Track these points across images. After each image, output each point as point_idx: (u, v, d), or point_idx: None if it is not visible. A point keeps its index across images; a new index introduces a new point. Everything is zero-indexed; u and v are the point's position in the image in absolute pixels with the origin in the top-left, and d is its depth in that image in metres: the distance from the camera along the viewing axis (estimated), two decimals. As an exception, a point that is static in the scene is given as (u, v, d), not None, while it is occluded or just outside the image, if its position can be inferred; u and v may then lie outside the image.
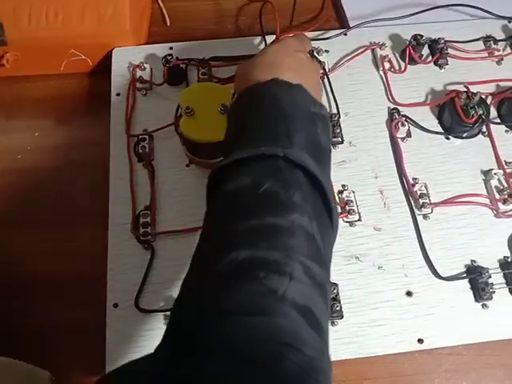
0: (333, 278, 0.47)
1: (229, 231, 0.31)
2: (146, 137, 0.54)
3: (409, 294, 0.48)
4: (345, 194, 0.52)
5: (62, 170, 0.57)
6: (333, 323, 0.46)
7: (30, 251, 0.52)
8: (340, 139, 0.55)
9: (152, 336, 0.46)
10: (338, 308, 0.46)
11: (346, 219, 0.51)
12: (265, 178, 0.32)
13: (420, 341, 0.46)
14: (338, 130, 0.55)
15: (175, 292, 0.48)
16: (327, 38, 0.61)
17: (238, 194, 0.33)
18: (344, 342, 0.46)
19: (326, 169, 0.37)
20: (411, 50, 0.58)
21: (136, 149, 0.54)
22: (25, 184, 0.57)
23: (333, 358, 0.44)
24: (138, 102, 0.57)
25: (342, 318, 0.46)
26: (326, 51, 0.60)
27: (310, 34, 0.61)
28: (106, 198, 0.52)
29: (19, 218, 0.54)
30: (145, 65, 0.58)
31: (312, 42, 0.59)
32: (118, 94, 0.58)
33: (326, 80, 0.59)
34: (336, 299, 0.46)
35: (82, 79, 0.63)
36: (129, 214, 0.51)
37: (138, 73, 0.58)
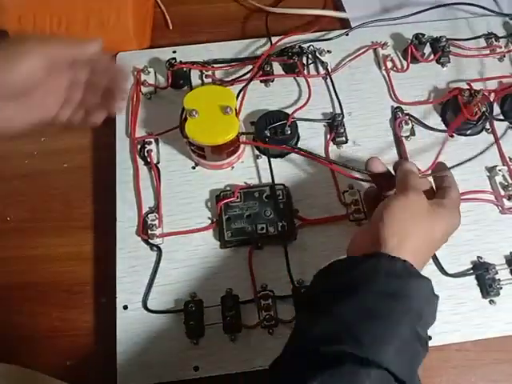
0: None
1: None
2: (152, 140, 0.55)
3: (416, 291, 0.48)
4: (350, 192, 0.52)
5: (69, 174, 0.58)
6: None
7: (38, 256, 0.53)
8: (344, 139, 0.56)
9: (161, 336, 0.46)
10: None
11: (351, 218, 0.51)
12: None
13: (429, 337, 0.46)
14: (342, 130, 0.55)
15: (183, 292, 0.48)
16: (329, 39, 0.61)
17: None
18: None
19: None
20: (413, 49, 0.59)
21: (141, 152, 0.54)
22: (32, 189, 0.57)
23: None
24: (143, 105, 0.58)
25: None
26: (329, 51, 0.60)
27: (311, 35, 0.62)
28: (113, 202, 0.53)
29: (27, 223, 0.55)
30: (149, 69, 0.59)
31: (314, 43, 0.60)
32: (122, 98, 0.58)
33: (328, 80, 0.59)
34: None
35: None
36: (135, 217, 0.52)
37: (142, 77, 0.58)
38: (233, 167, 0.54)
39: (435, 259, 0.49)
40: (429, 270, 0.48)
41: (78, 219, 0.55)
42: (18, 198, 0.57)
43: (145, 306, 0.48)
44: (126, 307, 0.48)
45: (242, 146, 0.52)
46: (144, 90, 0.58)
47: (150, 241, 0.50)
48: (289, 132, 0.53)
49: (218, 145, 0.49)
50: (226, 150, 0.51)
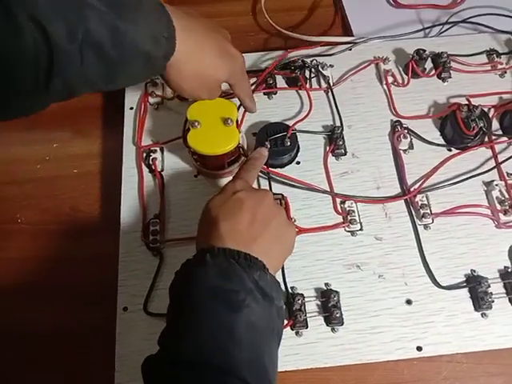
0: (334, 286, 0.49)
1: None
2: (157, 148, 0.57)
3: (408, 302, 0.49)
4: (347, 204, 0.53)
5: (78, 179, 0.60)
6: (333, 330, 0.48)
7: (46, 257, 0.55)
8: (343, 151, 0.57)
9: (159, 339, 0.48)
10: (338, 315, 0.47)
11: (347, 229, 0.52)
12: None
13: (419, 348, 0.47)
14: (341, 142, 0.57)
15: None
16: (332, 54, 0.63)
17: None
18: (344, 348, 0.47)
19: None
20: (414, 64, 0.60)
21: (147, 160, 0.56)
22: (43, 192, 0.59)
23: (333, 363, 0.46)
24: (150, 115, 0.60)
25: (342, 324, 0.48)
26: (331, 66, 0.62)
27: (315, 50, 0.63)
28: (118, 207, 0.55)
29: (37, 225, 0.57)
30: (157, 80, 0.61)
31: (318, 58, 0.62)
32: (131, 108, 0.61)
33: (330, 93, 0.60)
34: (336, 306, 0.48)
35: (98, 93, 0.66)
36: (139, 223, 0.53)
37: (150, 88, 0.61)
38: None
39: (429, 271, 0.50)
40: (422, 282, 0.49)
41: (85, 223, 0.57)
42: (30, 200, 0.59)
43: (145, 309, 0.49)
44: (125, 309, 0.50)
45: (242, 156, 0.54)
46: (151, 100, 0.60)
47: (152, 246, 0.52)
48: (288, 143, 0.55)
49: (219, 154, 0.50)
50: (227, 160, 0.53)
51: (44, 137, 0.64)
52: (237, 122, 0.52)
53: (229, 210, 0.41)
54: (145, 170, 0.57)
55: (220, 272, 0.37)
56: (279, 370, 0.45)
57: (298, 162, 0.57)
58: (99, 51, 0.37)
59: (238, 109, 0.53)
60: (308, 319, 0.48)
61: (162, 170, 0.57)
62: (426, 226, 0.52)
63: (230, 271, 0.36)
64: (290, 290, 0.49)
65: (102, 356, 0.48)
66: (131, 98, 0.61)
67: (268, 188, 0.54)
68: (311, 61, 0.61)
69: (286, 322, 0.48)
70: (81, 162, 0.61)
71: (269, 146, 0.54)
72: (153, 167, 0.56)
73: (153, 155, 0.56)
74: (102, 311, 0.51)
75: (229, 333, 0.34)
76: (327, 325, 0.48)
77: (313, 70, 0.61)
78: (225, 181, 0.55)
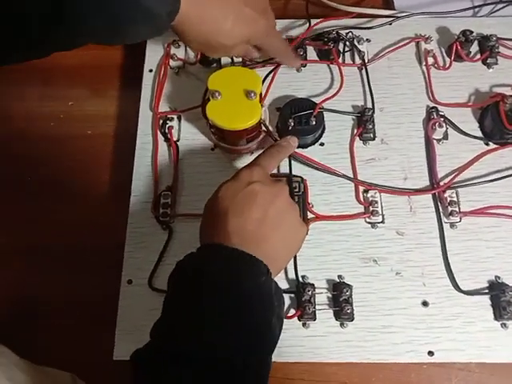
0: (347, 279, 0.47)
1: None
2: (174, 116, 0.54)
3: (425, 303, 0.46)
4: (370, 193, 0.50)
5: (91, 140, 0.58)
6: (342, 325, 0.46)
7: (51, 219, 0.54)
8: (372, 135, 0.53)
9: (161, 316, 0.46)
10: (349, 311, 0.45)
11: (368, 220, 0.49)
12: None
13: (430, 353, 0.45)
14: (371, 126, 0.53)
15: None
16: (370, 28, 0.58)
17: None
18: (351, 345, 0.45)
19: None
20: (458, 46, 0.55)
21: (163, 128, 0.54)
22: (54, 151, 0.57)
23: (338, 359, 0.44)
24: (170, 80, 0.57)
25: (352, 320, 0.46)
26: (368, 40, 0.57)
27: (352, 21, 0.59)
28: (129, 174, 0.53)
29: (45, 185, 0.55)
30: (179, 42, 0.57)
31: (354, 31, 0.57)
32: (150, 71, 0.57)
33: (363, 71, 0.56)
34: (348, 302, 0.45)
35: (118, 51, 0.63)
36: (150, 193, 0.51)
37: (172, 50, 0.57)
38: (252, 153, 0.53)
39: (450, 273, 0.47)
40: (441, 284, 0.47)
41: (95, 187, 0.55)
42: (40, 159, 0.57)
43: (149, 284, 0.48)
44: (130, 281, 0.48)
45: (263, 132, 0.51)
46: (172, 63, 0.57)
47: (162, 219, 0.50)
48: (314, 122, 0.51)
49: (238, 130, 0.47)
50: (246, 136, 0.49)
51: (59, 93, 0.62)
52: (260, 95, 0.49)
53: (240, 205, 0.38)
54: (160, 138, 0.54)
55: (223, 271, 0.35)
56: (282, 360, 0.45)
57: (322, 144, 0.53)
58: (101, 2, 0.36)
59: (263, 82, 0.49)
60: (317, 312, 0.46)
61: (178, 140, 0.54)
62: (452, 225, 0.49)
63: (233, 273, 0.35)
64: (300, 279, 0.47)
65: (102, 329, 0.47)
66: (151, 60, 0.58)
67: (288, 169, 0.51)
68: (346, 33, 0.57)
69: (294, 311, 0.46)
70: (95, 123, 0.59)
71: (292, 124, 0.51)
72: (168, 136, 0.53)
73: (169, 123, 0.53)
74: (104, 282, 0.49)
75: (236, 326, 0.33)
76: (336, 319, 0.46)
77: (347, 43, 0.57)
78: (243, 158, 0.53)
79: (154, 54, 0.58)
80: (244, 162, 0.52)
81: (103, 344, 0.46)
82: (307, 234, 0.46)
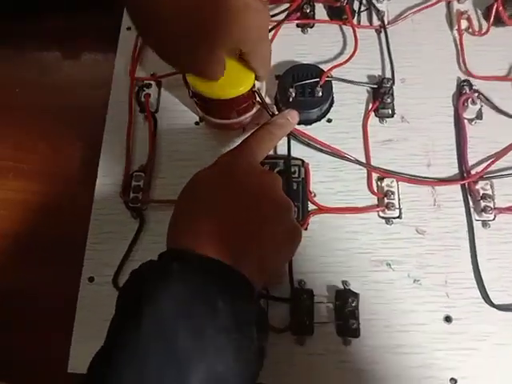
0: (354, 286, 0.39)
1: None
2: (152, 83, 0.47)
3: (448, 319, 0.38)
4: (386, 182, 0.42)
5: (59, 112, 0.51)
6: (345, 342, 0.38)
7: (14, 200, 0.48)
8: (390, 111, 0.45)
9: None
10: (354, 326, 0.37)
11: (382, 214, 0.41)
12: None
13: (453, 380, 0.37)
14: (390, 100, 0.44)
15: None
16: (392, -19, 0.49)
17: None
18: (355, 368, 0.37)
19: None
20: (500, 7, 0.46)
21: (139, 95, 0.46)
22: (16, 123, 0.51)
23: None
24: (150, 39, 0.48)
25: (357, 336, 0.38)
26: (388, -2, 0.49)
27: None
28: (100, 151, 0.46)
29: (7, 162, 0.49)
30: (163, -6, 0.48)
31: (372, -15, 0.48)
32: (128, 28, 0.50)
33: (382, 34, 0.48)
34: (354, 315, 0.37)
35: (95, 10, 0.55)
36: (120, 173, 0.44)
37: (154, 4, 0.49)
38: (244, 129, 0.44)
39: (480, 282, 0.39)
40: (469, 296, 0.39)
41: (63, 165, 0.49)
42: (3, 130, 0.51)
43: (114, 283, 0.40)
44: (91, 279, 0.41)
45: (257, 104, 0.42)
46: (154, 19, 0.49)
47: (132, 205, 0.42)
48: (320, 94, 0.43)
49: (227, 99, 0.39)
50: (237, 108, 0.41)
51: (29, 56, 0.55)
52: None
53: (218, 201, 0.31)
54: (136, 108, 0.46)
55: (187, 291, 0.26)
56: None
57: (330, 120, 0.45)
58: None
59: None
60: (314, 325, 0.38)
61: (156, 111, 0.46)
62: (484, 223, 0.41)
63: (201, 293, 0.26)
64: (296, 285, 0.39)
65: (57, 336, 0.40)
66: (130, 16, 0.49)
67: (286, 149, 0.42)
68: (363, -12, 0.48)
69: (286, 324, 0.38)
70: (64, 93, 0.52)
71: (294, 94, 0.43)
72: (145, 105, 0.45)
73: (146, 90, 0.46)
74: (62, 277, 0.43)
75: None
76: (338, 335, 0.38)
77: (364, 1, 0.48)
78: (233, 133, 0.44)
79: (132, 8, 0.49)
80: (234, 139, 0.44)
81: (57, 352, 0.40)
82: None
